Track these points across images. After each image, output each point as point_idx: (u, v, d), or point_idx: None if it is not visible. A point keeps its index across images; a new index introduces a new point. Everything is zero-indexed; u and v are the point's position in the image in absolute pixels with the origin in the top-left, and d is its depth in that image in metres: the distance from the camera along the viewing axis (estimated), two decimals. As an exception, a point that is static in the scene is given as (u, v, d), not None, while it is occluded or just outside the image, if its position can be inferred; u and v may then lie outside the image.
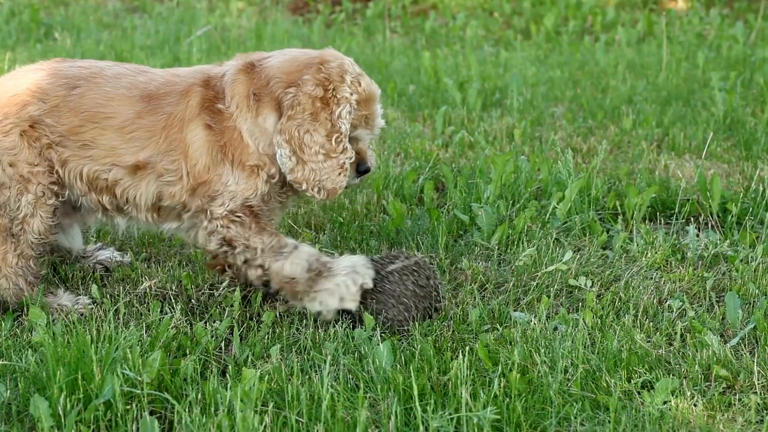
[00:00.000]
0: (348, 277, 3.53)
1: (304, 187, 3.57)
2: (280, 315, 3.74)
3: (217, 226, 3.58)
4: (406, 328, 3.59)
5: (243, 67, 3.62)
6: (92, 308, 3.75)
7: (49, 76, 3.68)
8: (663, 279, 4.13)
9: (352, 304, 3.54)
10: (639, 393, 3.21)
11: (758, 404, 3.17)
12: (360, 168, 3.70)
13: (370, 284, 3.55)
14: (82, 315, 3.67)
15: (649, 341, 3.53)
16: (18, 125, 3.62)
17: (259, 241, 3.57)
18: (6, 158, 3.62)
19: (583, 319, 3.65)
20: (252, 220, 3.58)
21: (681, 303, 3.85)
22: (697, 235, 4.49)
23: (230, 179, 3.56)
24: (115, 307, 3.75)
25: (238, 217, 3.57)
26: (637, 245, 4.42)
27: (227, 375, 3.27)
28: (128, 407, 3.00)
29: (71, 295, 3.84)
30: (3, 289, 3.71)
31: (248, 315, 3.77)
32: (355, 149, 3.66)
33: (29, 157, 3.63)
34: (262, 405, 3.04)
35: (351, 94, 3.56)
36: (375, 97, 3.67)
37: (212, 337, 3.53)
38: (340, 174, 3.57)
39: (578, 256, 4.29)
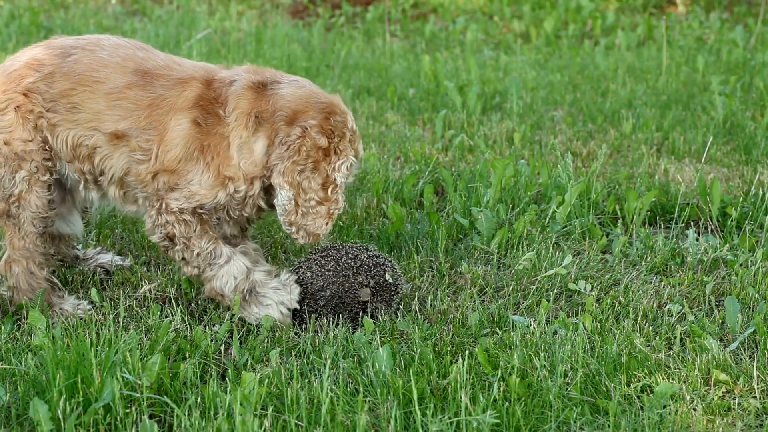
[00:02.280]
0: (274, 307, 3.65)
1: (292, 229, 3.62)
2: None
3: (165, 220, 3.62)
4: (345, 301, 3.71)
5: (254, 86, 3.62)
6: (91, 313, 3.75)
7: (46, 48, 3.73)
8: (662, 283, 4.13)
9: (284, 324, 3.67)
10: (638, 397, 3.21)
11: (758, 409, 3.17)
12: None
13: (296, 305, 3.68)
14: (81, 320, 3.67)
15: (648, 345, 3.53)
16: (13, 100, 3.66)
17: (198, 244, 3.62)
18: (1, 137, 3.66)
19: (583, 323, 3.65)
20: (198, 222, 3.62)
21: (680, 307, 3.85)
22: (697, 240, 4.49)
23: (196, 179, 3.59)
24: (116, 312, 3.75)
25: (187, 217, 3.61)
26: (637, 249, 4.42)
27: (227, 379, 3.27)
28: (128, 411, 3.00)
29: (74, 300, 3.84)
30: (17, 277, 3.75)
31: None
32: None
33: (23, 134, 3.65)
34: (261, 409, 3.04)
35: (350, 151, 3.62)
36: (360, 159, 3.75)
37: (212, 340, 3.53)
38: (327, 222, 3.63)
39: (578, 260, 4.29)
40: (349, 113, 3.67)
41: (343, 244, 3.81)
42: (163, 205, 3.61)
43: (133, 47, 3.74)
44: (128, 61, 3.66)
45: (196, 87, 3.62)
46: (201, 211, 3.62)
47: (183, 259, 3.67)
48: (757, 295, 3.96)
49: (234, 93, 3.60)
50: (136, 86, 3.62)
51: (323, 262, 3.73)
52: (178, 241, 3.63)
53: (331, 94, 3.71)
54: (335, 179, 3.58)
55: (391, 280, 3.76)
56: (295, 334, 3.66)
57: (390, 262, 3.80)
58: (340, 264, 3.72)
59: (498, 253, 4.38)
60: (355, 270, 3.72)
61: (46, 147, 3.70)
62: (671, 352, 3.51)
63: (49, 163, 3.72)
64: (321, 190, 3.57)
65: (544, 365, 3.29)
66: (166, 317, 3.75)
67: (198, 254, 3.63)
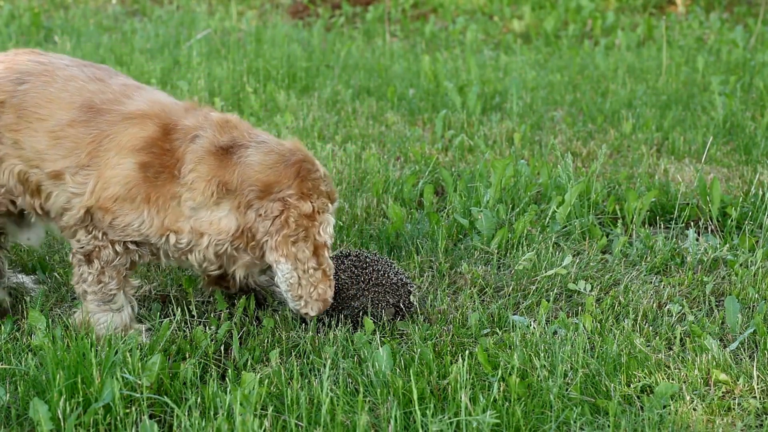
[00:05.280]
0: None
1: (301, 303, 3.48)
2: (279, 318, 3.74)
3: (95, 245, 3.47)
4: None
5: (217, 151, 3.40)
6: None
7: (6, 69, 3.57)
8: (662, 283, 4.13)
9: None
10: (638, 397, 3.21)
11: (758, 409, 3.17)
12: None
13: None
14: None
15: (648, 345, 3.54)
16: None
17: (108, 277, 3.51)
18: None
19: (583, 323, 3.65)
20: (124, 254, 3.50)
21: (680, 307, 3.85)
22: (697, 240, 4.49)
23: (136, 223, 3.43)
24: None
25: (118, 248, 3.47)
26: (637, 249, 4.42)
27: (227, 379, 3.27)
28: (128, 411, 3.00)
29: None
30: None
31: (248, 319, 3.77)
32: None
33: None
34: (261, 409, 3.04)
35: (328, 206, 3.49)
36: (336, 201, 3.59)
37: (212, 340, 3.53)
38: (329, 285, 3.50)
39: (578, 260, 4.29)
40: (314, 159, 3.52)
41: (373, 257, 3.79)
42: (99, 234, 3.45)
43: (87, 78, 3.53)
44: (76, 96, 3.48)
45: (148, 128, 3.41)
46: (132, 246, 3.49)
47: (84, 280, 3.52)
48: (757, 295, 3.96)
49: (194, 154, 3.39)
50: (79, 123, 3.44)
51: (357, 271, 3.72)
52: (95, 263, 3.49)
53: (292, 142, 3.53)
54: (325, 242, 3.46)
55: (416, 302, 3.78)
56: (296, 334, 3.66)
57: (411, 281, 3.83)
58: (372, 279, 3.72)
59: (498, 253, 4.38)
60: (385, 288, 3.72)
61: None
62: (671, 352, 3.51)
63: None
64: (313, 257, 3.43)
65: (544, 365, 3.29)
66: (166, 317, 3.75)
67: (101, 288, 3.51)
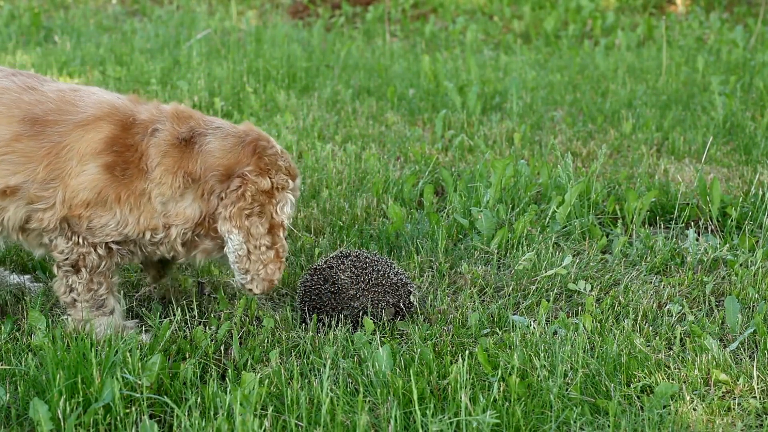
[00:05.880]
0: None
1: (247, 278, 3.46)
2: (279, 319, 3.74)
3: (79, 252, 3.43)
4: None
5: (179, 142, 3.41)
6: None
7: None
8: (662, 283, 4.13)
9: None
10: (638, 397, 3.21)
11: (758, 409, 3.17)
12: None
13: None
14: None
15: (648, 345, 3.54)
16: None
17: (98, 282, 3.50)
18: None
19: (583, 323, 3.65)
20: (108, 257, 3.47)
21: (680, 307, 3.85)
22: (697, 240, 4.49)
23: (112, 223, 3.40)
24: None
25: (101, 251, 3.44)
26: (637, 249, 4.42)
27: (227, 379, 3.27)
28: (128, 411, 3.00)
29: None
30: None
31: (248, 319, 3.77)
32: None
33: None
34: (261, 409, 3.04)
35: (288, 182, 3.47)
36: (298, 179, 3.58)
37: (212, 340, 3.53)
38: (279, 267, 3.48)
39: (578, 260, 4.29)
40: (268, 137, 3.53)
41: (373, 257, 3.79)
42: (79, 239, 3.42)
43: (19, 88, 3.42)
44: (12, 109, 3.36)
45: (104, 129, 3.37)
46: (114, 246, 3.46)
47: (73, 290, 3.49)
48: (757, 295, 3.96)
49: (157, 147, 3.38)
50: (27, 137, 3.34)
51: (357, 271, 3.73)
52: (83, 272, 3.47)
53: (245, 124, 3.55)
54: (282, 222, 3.45)
55: (416, 302, 3.78)
56: (296, 334, 3.66)
57: (411, 281, 3.83)
58: (372, 279, 3.72)
59: (498, 253, 4.38)
60: (385, 288, 3.73)
61: None
62: (671, 352, 3.51)
63: None
64: (268, 235, 3.43)
65: (544, 365, 3.29)
66: (167, 317, 3.75)
67: (92, 295, 3.50)
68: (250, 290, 3.49)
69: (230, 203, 3.39)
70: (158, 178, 3.37)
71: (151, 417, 3.06)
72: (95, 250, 3.45)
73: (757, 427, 3.10)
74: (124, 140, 3.37)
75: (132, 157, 3.37)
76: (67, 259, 3.47)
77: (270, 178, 3.43)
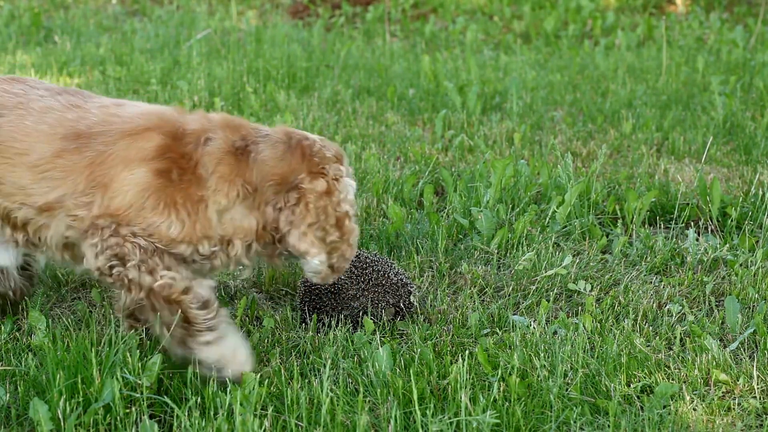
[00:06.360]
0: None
1: (329, 281, 3.43)
2: (279, 318, 3.74)
3: (114, 241, 3.21)
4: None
5: (234, 150, 3.31)
6: (91, 311, 3.74)
7: None
8: (662, 283, 4.13)
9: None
10: (638, 397, 3.21)
11: (758, 409, 3.17)
12: None
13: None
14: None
15: (648, 345, 3.54)
16: None
17: (159, 262, 3.27)
18: None
19: (583, 323, 3.65)
20: (156, 253, 3.25)
21: (680, 307, 3.85)
22: (697, 240, 4.49)
23: (164, 226, 3.22)
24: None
25: (142, 242, 3.21)
26: (637, 249, 4.42)
27: (227, 379, 3.27)
28: (128, 411, 3.00)
29: None
30: None
31: (248, 319, 3.77)
32: None
33: None
34: (261, 409, 3.04)
35: (339, 169, 3.38)
36: (344, 156, 3.48)
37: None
38: (352, 250, 3.42)
39: (578, 260, 4.29)
40: (305, 133, 3.44)
41: (373, 257, 3.80)
42: (109, 232, 3.21)
43: (63, 106, 3.36)
44: (57, 128, 3.30)
45: (155, 138, 3.26)
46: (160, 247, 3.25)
47: (130, 281, 3.21)
48: (757, 295, 3.96)
49: (211, 155, 3.27)
50: (69, 152, 3.26)
51: (357, 272, 3.73)
52: (131, 258, 3.21)
53: (281, 128, 3.44)
54: (347, 212, 3.37)
55: (416, 303, 3.78)
56: (296, 334, 3.66)
57: (411, 281, 3.84)
58: (372, 279, 3.73)
59: (498, 253, 4.38)
60: (385, 288, 3.74)
61: None
62: (671, 352, 3.51)
63: None
64: (338, 231, 3.35)
65: (544, 365, 3.29)
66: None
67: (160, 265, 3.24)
68: (322, 280, 3.43)
69: (297, 221, 3.30)
70: (215, 186, 3.26)
71: (151, 417, 3.06)
72: (135, 237, 3.22)
73: (757, 427, 3.10)
74: (177, 149, 3.26)
75: (187, 164, 3.25)
76: (102, 259, 3.23)
77: (323, 177, 3.33)
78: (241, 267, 3.46)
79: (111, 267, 3.22)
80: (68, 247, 3.36)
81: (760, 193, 4.84)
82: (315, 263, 3.35)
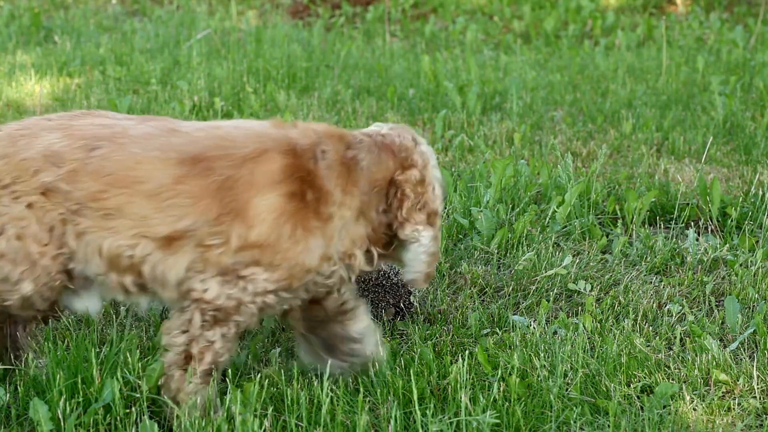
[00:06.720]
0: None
1: (423, 278, 3.32)
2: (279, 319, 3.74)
3: (234, 299, 3.10)
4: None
5: (346, 160, 3.19)
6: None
7: (65, 137, 3.15)
8: (662, 283, 4.13)
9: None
10: (638, 397, 3.21)
11: (758, 408, 3.17)
12: None
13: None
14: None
15: (648, 345, 3.54)
16: (28, 194, 3.09)
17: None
18: (12, 230, 3.09)
19: (583, 323, 3.65)
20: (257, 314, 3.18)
21: (680, 307, 3.85)
22: (697, 240, 4.49)
23: (301, 258, 3.13)
24: (117, 312, 3.75)
25: (261, 300, 3.13)
26: (637, 249, 4.42)
27: (227, 379, 3.27)
28: (128, 411, 3.00)
29: None
30: None
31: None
32: None
33: (39, 233, 3.09)
34: (261, 409, 3.04)
35: (423, 155, 3.31)
36: (420, 142, 3.38)
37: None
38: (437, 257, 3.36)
39: (578, 260, 4.29)
40: (381, 131, 3.36)
41: None
42: (240, 285, 3.09)
43: (161, 132, 3.19)
44: (168, 152, 3.11)
45: (276, 159, 3.12)
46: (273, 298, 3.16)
47: (207, 344, 3.10)
48: (757, 295, 3.96)
49: (329, 168, 3.17)
50: (191, 177, 3.09)
51: None
52: (230, 326, 3.10)
53: (361, 131, 3.37)
54: (437, 209, 3.30)
55: (416, 302, 3.78)
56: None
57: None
58: (372, 279, 3.74)
59: (498, 253, 4.38)
60: (385, 288, 3.74)
61: (63, 251, 3.12)
62: (671, 352, 3.51)
63: (64, 271, 3.14)
64: (431, 225, 3.27)
65: (544, 365, 3.29)
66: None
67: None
68: (417, 284, 3.34)
69: (397, 208, 3.24)
70: (340, 200, 3.16)
71: (151, 417, 3.06)
72: (255, 300, 3.11)
73: (757, 427, 3.10)
74: (303, 166, 3.14)
75: (315, 182, 3.15)
76: (216, 307, 3.10)
77: (414, 167, 3.27)
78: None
79: (203, 327, 3.11)
80: (181, 284, 3.14)
81: (760, 193, 4.84)
82: (427, 241, 3.24)
